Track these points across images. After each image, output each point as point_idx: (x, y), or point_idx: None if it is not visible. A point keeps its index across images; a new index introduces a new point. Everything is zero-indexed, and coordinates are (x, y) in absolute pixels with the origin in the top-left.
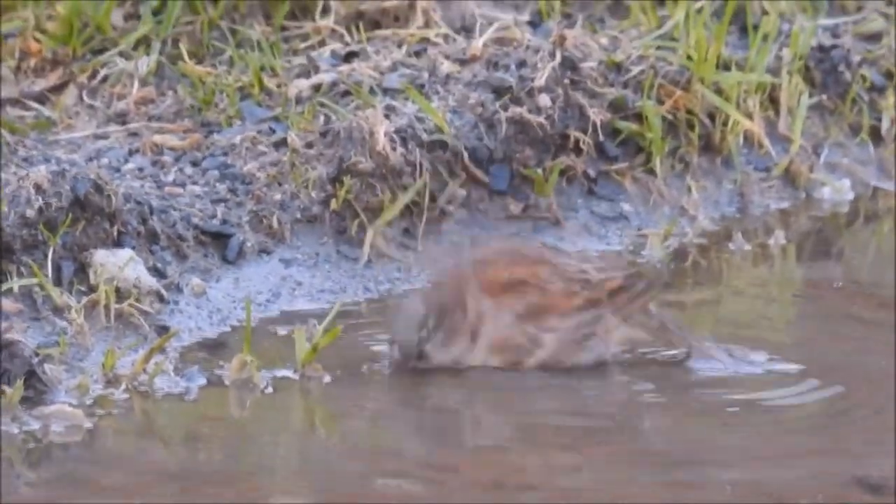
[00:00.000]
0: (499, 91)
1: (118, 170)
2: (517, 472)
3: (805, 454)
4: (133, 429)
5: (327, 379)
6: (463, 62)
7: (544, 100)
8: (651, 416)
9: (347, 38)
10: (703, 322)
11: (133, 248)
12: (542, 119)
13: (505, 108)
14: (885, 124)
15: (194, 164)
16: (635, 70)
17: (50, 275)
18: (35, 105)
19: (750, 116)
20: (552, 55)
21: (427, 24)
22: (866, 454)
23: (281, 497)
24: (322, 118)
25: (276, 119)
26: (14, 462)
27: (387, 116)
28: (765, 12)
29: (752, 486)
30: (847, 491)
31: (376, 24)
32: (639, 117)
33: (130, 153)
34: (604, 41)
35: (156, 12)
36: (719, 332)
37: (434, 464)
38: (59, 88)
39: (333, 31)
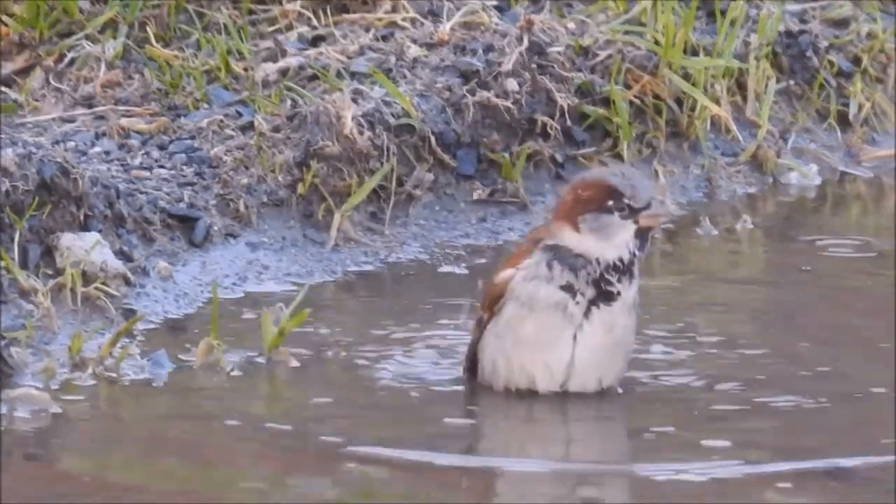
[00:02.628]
0: (466, 75)
1: (85, 153)
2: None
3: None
4: (99, 412)
5: (294, 363)
6: (430, 46)
7: (512, 84)
8: None
9: (315, 22)
10: (670, 307)
11: (100, 231)
12: (509, 103)
13: (472, 93)
14: (852, 110)
15: (161, 147)
16: (603, 55)
17: (16, 258)
18: (2, 88)
19: (717, 102)
20: (519, 40)
21: (395, 9)
22: (836, 442)
23: (247, 482)
24: (289, 102)
25: (243, 103)
26: None
27: (354, 100)
28: None
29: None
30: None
31: (344, 8)
32: (606, 102)
33: (97, 137)
34: (571, 26)
35: None
36: (686, 317)
37: (400, 446)
38: (25, 71)
39: (301, 14)
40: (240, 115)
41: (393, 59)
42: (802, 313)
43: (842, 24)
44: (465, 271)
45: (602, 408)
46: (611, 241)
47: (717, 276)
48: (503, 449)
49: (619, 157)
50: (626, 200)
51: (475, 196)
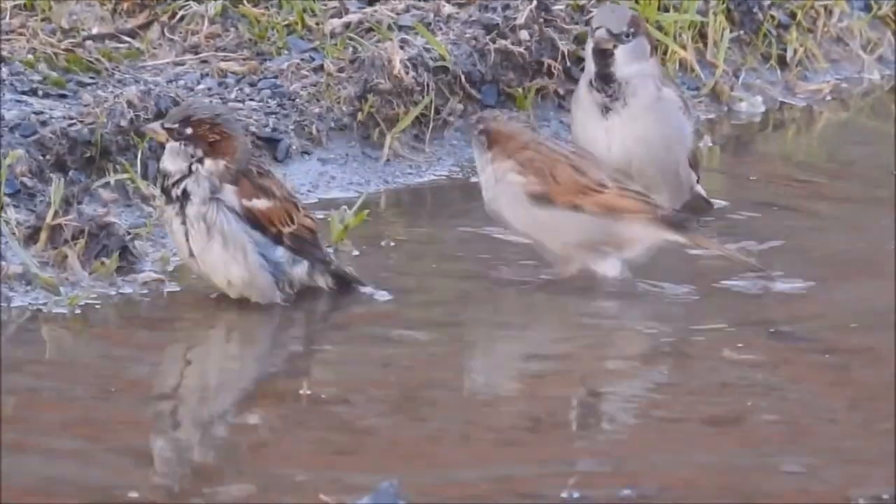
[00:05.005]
0: (488, 28)
1: (192, 89)
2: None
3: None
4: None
5: (355, 252)
6: (461, 5)
7: (524, 35)
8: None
9: None
10: None
11: None
12: (522, 49)
13: (493, 41)
14: (789, 53)
15: (251, 85)
16: (595, 11)
17: (139, 171)
18: (127, 39)
19: (684, 47)
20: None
21: None
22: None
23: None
24: (351, 49)
25: (315, 50)
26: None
27: (401, 48)
28: None
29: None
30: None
31: None
32: None
33: (202, 77)
34: None
35: None
36: None
37: (458, 314)
38: (146, 26)
39: None
40: (313, 59)
41: (431, 15)
42: (745, 210)
43: None
44: None
45: None
46: None
47: None
48: None
49: None
50: None
51: None
